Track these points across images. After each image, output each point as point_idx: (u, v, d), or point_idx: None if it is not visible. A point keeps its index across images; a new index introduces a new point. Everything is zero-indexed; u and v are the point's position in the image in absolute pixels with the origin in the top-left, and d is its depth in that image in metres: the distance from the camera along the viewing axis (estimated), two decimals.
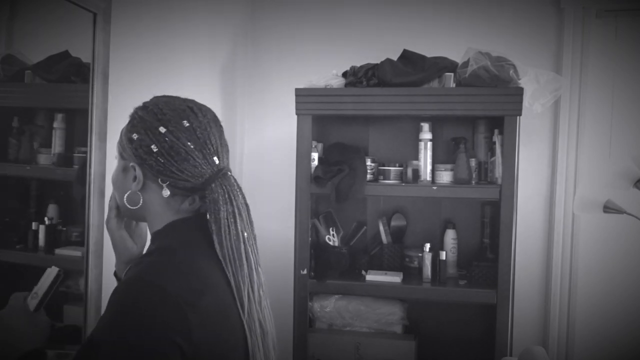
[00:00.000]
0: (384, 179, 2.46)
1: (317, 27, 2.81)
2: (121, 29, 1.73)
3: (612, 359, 2.58)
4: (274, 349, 1.06)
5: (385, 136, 2.68)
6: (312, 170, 2.41)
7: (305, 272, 2.38)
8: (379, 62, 2.39)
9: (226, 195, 1.00)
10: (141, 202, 1.03)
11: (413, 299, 2.49)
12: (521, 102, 2.23)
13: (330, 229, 2.59)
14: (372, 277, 2.42)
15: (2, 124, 1.48)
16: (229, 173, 1.04)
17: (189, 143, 0.99)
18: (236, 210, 1.01)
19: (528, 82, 2.27)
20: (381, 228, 2.60)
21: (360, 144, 2.64)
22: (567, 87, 2.49)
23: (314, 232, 2.54)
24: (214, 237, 0.99)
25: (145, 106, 1.05)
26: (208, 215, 1.00)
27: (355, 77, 2.39)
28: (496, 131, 2.38)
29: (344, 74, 2.46)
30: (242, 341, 0.99)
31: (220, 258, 0.98)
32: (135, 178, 1.02)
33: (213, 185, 1.00)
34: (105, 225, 1.13)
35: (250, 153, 2.89)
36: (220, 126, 1.08)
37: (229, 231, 0.99)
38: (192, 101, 1.07)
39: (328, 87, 2.39)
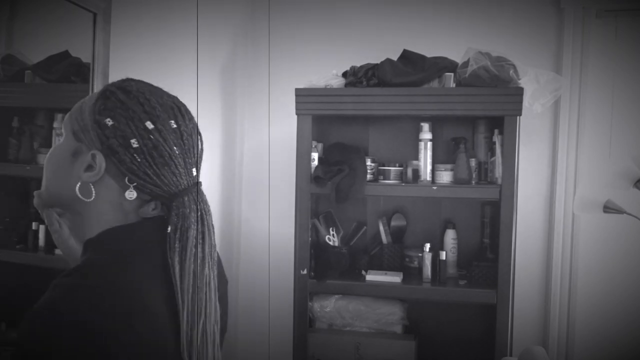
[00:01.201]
0: (384, 179, 2.46)
1: (317, 27, 2.81)
2: (121, 29, 1.73)
3: (612, 359, 2.58)
4: None
5: (385, 136, 2.68)
6: (312, 170, 2.41)
7: (305, 272, 2.38)
8: (379, 62, 2.39)
9: (198, 213, 0.88)
10: (93, 195, 0.87)
11: (413, 299, 2.49)
12: (521, 102, 2.23)
13: (330, 229, 2.59)
14: (372, 277, 2.42)
15: (2, 124, 1.48)
16: (201, 188, 0.92)
17: (174, 147, 0.87)
18: (206, 231, 0.89)
19: (528, 82, 2.27)
20: (381, 228, 2.60)
21: (360, 144, 2.64)
22: (567, 87, 2.49)
23: (314, 232, 2.54)
24: (175, 256, 0.85)
25: (126, 89, 0.89)
26: (170, 230, 0.86)
27: (355, 77, 2.39)
28: (496, 131, 2.38)
29: (344, 74, 2.46)
30: None
31: (177, 280, 0.84)
32: (90, 167, 0.86)
33: (186, 198, 0.87)
34: (54, 236, 0.99)
35: (250, 153, 2.89)
36: (201, 137, 0.95)
37: (195, 252, 0.86)
38: (177, 99, 0.94)
39: (328, 87, 2.39)
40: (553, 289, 2.56)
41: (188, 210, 0.87)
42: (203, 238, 0.88)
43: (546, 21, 2.59)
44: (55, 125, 1.59)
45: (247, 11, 2.88)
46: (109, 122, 0.86)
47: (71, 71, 1.62)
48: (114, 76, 1.68)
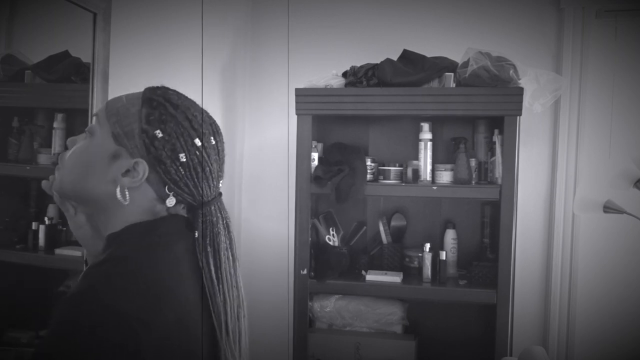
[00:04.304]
0: (384, 179, 2.46)
1: (317, 27, 2.81)
2: (121, 29, 1.73)
3: (612, 359, 2.58)
4: None
5: (385, 136, 2.68)
6: (312, 170, 2.41)
7: (305, 272, 2.38)
8: (379, 62, 2.39)
9: (224, 222, 0.96)
10: (128, 198, 0.90)
11: (413, 299, 2.49)
12: (521, 102, 2.23)
13: (330, 229, 2.59)
14: (372, 277, 2.42)
15: (2, 124, 1.49)
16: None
17: (214, 164, 0.95)
18: (232, 237, 0.98)
19: (528, 82, 2.27)
20: (381, 228, 2.60)
21: (360, 144, 2.64)
22: (567, 87, 2.49)
23: (314, 232, 2.54)
24: (210, 259, 0.92)
25: (172, 101, 0.93)
26: (199, 236, 0.93)
27: (355, 77, 2.39)
28: (496, 131, 2.38)
29: (344, 74, 2.46)
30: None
31: (214, 281, 0.92)
32: (129, 172, 0.90)
33: (212, 207, 0.94)
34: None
35: (250, 153, 2.89)
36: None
37: (228, 255, 0.96)
38: (208, 114, 1.00)
39: (328, 87, 2.39)
40: (553, 289, 2.56)
41: (215, 219, 0.94)
42: (230, 242, 0.97)
43: (546, 21, 2.59)
44: (55, 125, 1.59)
45: (247, 11, 2.88)
46: (158, 133, 0.90)
47: (71, 71, 1.62)
48: (114, 76, 1.68)
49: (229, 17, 2.70)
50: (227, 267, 0.95)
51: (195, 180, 0.92)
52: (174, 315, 0.84)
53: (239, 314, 0.96)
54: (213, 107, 2.58)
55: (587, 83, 2.53)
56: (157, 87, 0.96)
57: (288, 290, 2.50)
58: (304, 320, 2.41)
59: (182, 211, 0.96)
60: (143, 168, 0.89)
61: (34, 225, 1.57)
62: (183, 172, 0.90)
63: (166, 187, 0.91)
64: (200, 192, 0.93)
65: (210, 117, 0.99)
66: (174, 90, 0.98)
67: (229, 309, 0.93)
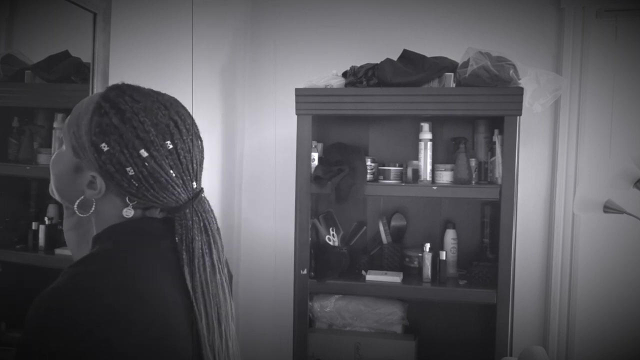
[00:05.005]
0: (384, 179, 2.46)
1: (317, 27, 2.81)
2: (121, 29, 1.73)
3: (612, 359, 2.58)
4: None
5: (385, 136, 2.68)
6: (312, 170, 2.41)
7: (305, 272, 2.38)
8: (379, 62, 2.39)
9: (201, 224, 0.90)
10: (93, 209, 0.89)
11: (413, 299, 2.49)
12: (521, 102, 2.23)
13: (330, 229, 2.59)
14: (372, 277, 2.42)
15: (2, 124, 1.49)
16: (203, 195, 0.93)
17: (171, 171, 0.88)
18: (211, 240, 0.91)
19: (528, 82, 2.27)
20: (381, 228, 2.60)
21: (360, 144, 2.64)
22: (567, 87, 2.49)
23: (314, 232, 2.54)
24: (185, 266, 0.88)
25: (120, 108, 0.87)
26: (177, 239, 0.89)
27: (355, 77, 2.39)
28: (496, 131, 2.38)
29: (344, 74, 2.46)
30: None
31: (190, 289, 0.87)
32: (91, 185, 0.89)
33: (187, 211, 0.89)
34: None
35: (250, 153, 2.89)
36: (201, 139, 0.95)
37: (204, 262, 0.89)
38: (175, 108, 0.92)
39: (328, 87, 2.39)
40: (553, 289, 2.56)
41: (190, 223, 0.89)
42: (209, 247, 0.90)
43: (546, 21, 2.59)
44: (55, 125, 1.59)
45: (247, 11, 2.88)
46: (104, 147, 0.86)
47: (71, 71, 1.62)
48: (114, 76, 1.68)
49: (228, 17, 2.70)
50: (203, 276, 0.89)
51: (153, 190, 0.87)
52: (153, 311, 0.82)
53: (220, 325, 0.90)
54: (213, 107, 2.58)
55: (587, 83, 2.53)
56: (113, 88, 0.92)
57: (288, 290, 2.49)
58: (304, 320, 2.41)
59: (159, 214, 0.92)
60: (100, 182, 0.88)
61: (34, 225, 1.57)
62: (137, 185, 0.86)
63: (127, 198, 0.88)
64: (163, 200, 0.89)
65: (171, 115, 0.90)
66: (133, 90, 0.91)
67: (204, 321, 0.88)
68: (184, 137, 0.90)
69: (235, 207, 2.83)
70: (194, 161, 0.91)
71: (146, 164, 0.86)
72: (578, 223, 2.56)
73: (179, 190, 0.89)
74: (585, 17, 2.52)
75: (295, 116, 2.39)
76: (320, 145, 2.56)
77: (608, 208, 2.18)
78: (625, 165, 2.14)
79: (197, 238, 0.89)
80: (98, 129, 0.87)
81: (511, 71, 2.24)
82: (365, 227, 2.68)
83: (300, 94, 2.38)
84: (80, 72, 1.62)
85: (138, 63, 1.88)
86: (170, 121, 0.89)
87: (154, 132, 0.87)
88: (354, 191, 2.36)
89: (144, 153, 0.86)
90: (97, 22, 1.61)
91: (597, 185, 2.21)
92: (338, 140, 2.62)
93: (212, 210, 0.94)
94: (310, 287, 2.41)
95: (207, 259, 0.89)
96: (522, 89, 2.24)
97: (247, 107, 2.89)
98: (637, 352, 2.54)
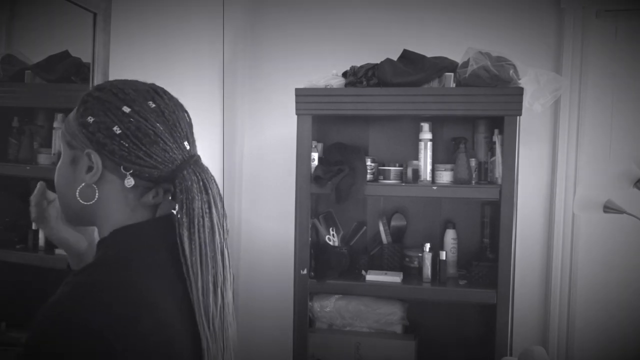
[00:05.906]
0: (384, 179, 2.46)
1: (317, 27, 2.81)
2: (121, 29, 1.73)
3: (612, 359, 2.58)
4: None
5: (385, 136, 2.68)
6: (312, 170, 2.41)
7: (305, 272, 2.38)
8: (379, 62, 2.39)
9: (200, 183, 0.89)
10: (97, 196, 0.90)
11: (413, 299, 2.49)
12: (521, 102, 2.23)
13: (330, 229, 2.59)
14: (372, 277, 2.42)
15: (2, 124, 1.49)
16: (201, 160, 0.93)
17: (157, 124, 0.88)
18: (212, 200, 0.89)
19: (528, 82, 2.27)
20: (381, 228, 2.60)
21: (360, 144, 2.64)
22: (567, 87, 2.49)
23: (314, 232, 2.54)
24: (184, 231, 0.87)
25: (100, 87, 0.91)
26: (177, 208, 0.88)
27: (355, 77, 2.39)
28: (496, 131, 2.38)
29: (344, 74, 2.46)
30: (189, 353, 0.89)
31: (187, 254, 0.87)
32: (90, 168, 0.89)
33: (185, 172, 0.89)
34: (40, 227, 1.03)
35: (250, 153, 2.89)
36: (187, 113, 0.95)
37: (203, 223, 0.88)
38: (154, 84, 0.95)
39: (328, 87, 2.39)
40: (553, 289, 2.56)
41: (190, 183, 0.88)
42: (209, 207, 0.89)
43: (546, 21, 2.59)
44: (55, 125, 1.59)
45: (247, 11, 2.88)
46: (90, 119, 0.88)
47: (71, 71, 1.62)
48: (114, 76, 1.68)
49: (229, 17, 2.70)
50: (202, 236, 0.88)
51: (144, 148, 0.87)
52: (153, 320, 0.82)
53: (216, 289, 0.89)
54: (213, 107, 2.58)
55: (587, 83, 2.53)
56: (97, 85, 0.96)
57: (288, 290, 2.49)
58: (304, 320, 2.41)
59: (160, 199, 0.92)
60: (95, 158, 0.88)
61: (34, 225, 1.56)
62: (127, 145, 0.87)
63: (122, 168, 0.88)
64: (157, 159, 0.88)
65: (151, 86, 0.94)
66: (116, 79, 0.95)
67: (200, 284, 0.87)
68: (167, 101, 0.92)
69: (235, 207, 2.83)
70: (181, 122, 0.92)
71: (131, 119, 0.87)
72: (578, 223, 2.56)
73: (170, 145, 0.89)
74: (585, 17, 2.52)
75: (295, 116, 2.39)
76: (320, 145, 2.56)
77: (608, 208, 2.18)
78: (625, 165, 2.14)
79: (197, 197, 0.88)
80: (83, 108, 0.90)
81: (511, 71, 2.24)
82: (365, 227, 2.68)
83: (300, 94, 2.38)
84: (80, 72, 1.62)
85: (138, 63, 1.88)
86: (149, 88, 0.92)
87: (133, 93, 0.90)
88: (354, 191, 2.36)
89: (126, 109, 0.88)
90: (97, 22, 1.61)
91: (597, 185, 2.21)
92: (338, 140, 2.62)
93: (211, 174, 0.93)
94: (310, 287, 2.41)
95: (206, 219, 0.88)
96: (522, 89, 2.24)
97: (247, 107, 2.89)
98: (637, 352, 2.54)
